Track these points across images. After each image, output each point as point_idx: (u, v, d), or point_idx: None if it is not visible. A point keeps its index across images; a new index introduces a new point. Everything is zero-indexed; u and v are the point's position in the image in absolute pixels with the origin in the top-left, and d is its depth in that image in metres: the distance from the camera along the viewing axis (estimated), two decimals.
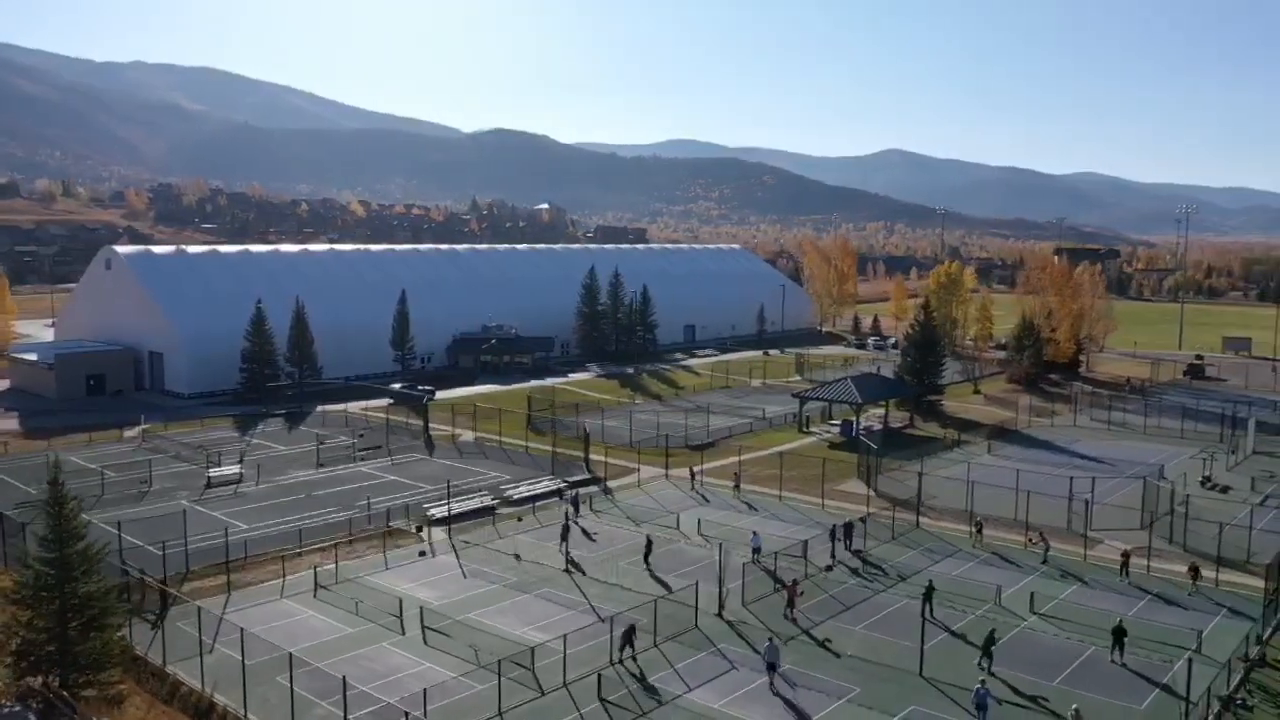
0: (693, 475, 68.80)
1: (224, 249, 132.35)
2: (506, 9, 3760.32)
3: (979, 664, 38.87)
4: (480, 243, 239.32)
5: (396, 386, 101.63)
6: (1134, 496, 62.84)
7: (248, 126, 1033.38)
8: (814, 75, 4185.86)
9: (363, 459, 75.00)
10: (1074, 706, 34.02)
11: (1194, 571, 48.53)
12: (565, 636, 38.48)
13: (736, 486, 66.12)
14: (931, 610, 44.04)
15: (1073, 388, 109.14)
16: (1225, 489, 67.61)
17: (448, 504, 59.27)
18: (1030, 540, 54.19)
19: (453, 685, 36.98)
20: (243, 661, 35.87)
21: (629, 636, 39.37)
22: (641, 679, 37.94)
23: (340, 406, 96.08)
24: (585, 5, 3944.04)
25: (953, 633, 42.75)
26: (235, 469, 69.76)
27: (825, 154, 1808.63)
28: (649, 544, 52.39)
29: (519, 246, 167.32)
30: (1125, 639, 40.10)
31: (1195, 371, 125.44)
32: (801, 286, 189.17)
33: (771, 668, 37.75)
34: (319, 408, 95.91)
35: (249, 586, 47.99)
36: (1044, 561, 52.27)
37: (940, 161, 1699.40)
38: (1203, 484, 68.32)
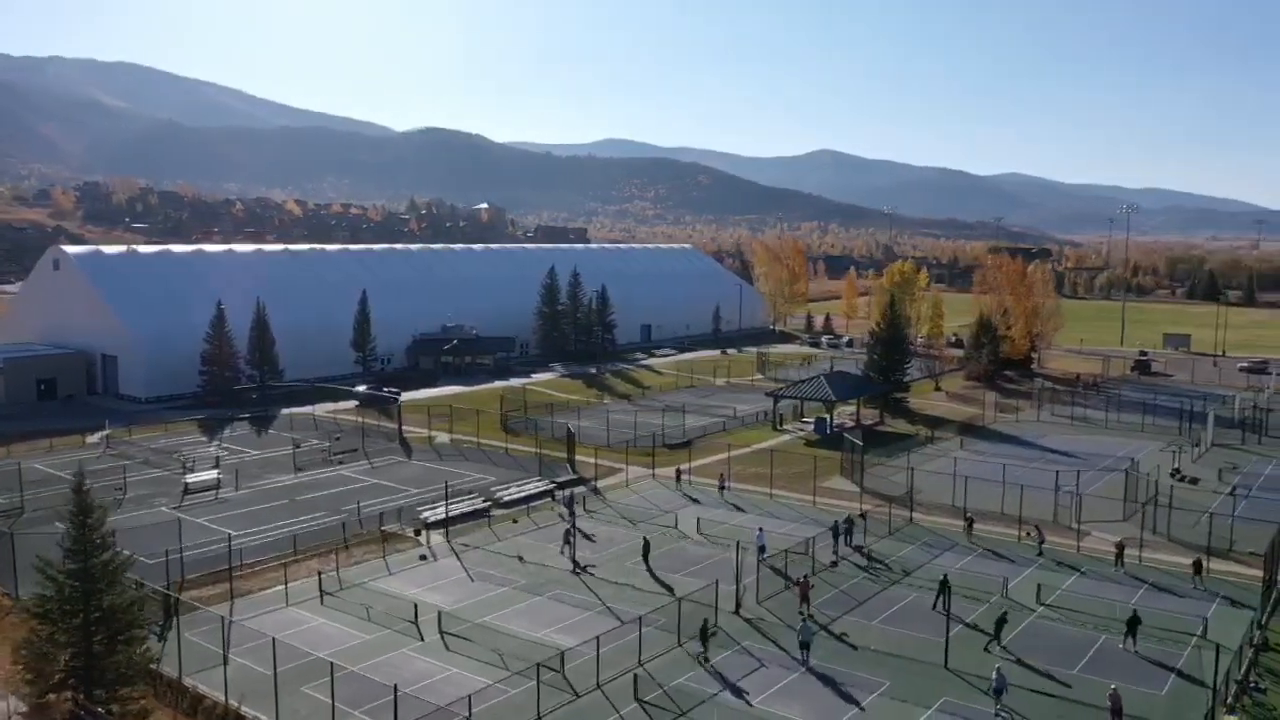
0: (679, 475, 68.83)
1: (176, 249, 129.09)
2: (437, 7, 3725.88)
3: (986, 648, 40.04)
4: (420, 242, 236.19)
5: (362, 388, 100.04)
6: (1110, 489, 64.58)
7: (173, 124, 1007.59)
8: (746, 76, 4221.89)
9: (340, 462, 73.68)
10: (1113, 687, 34.75)
11: (1197, 566, 49.78)
12: (599, 638, 38.19)
13: (721, 487, 66.17)
14: (947, 603, 44.69)
15: (1034, 384, 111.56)
16: (1195, 480, 69.66)
17: (445, 506, 58.45)
18: (1027, 533, 55.25)
19: (484, 690, 36.44)
20: (274, 671, 35.01)
21: (705, 633, 39.76)
22: (722, 678, 37.91)
23: (307, 409, 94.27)
24: (517, 4, 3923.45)
25: (967, 624, 43.40)
26: (212, 475, 68.00)
27: (758, 154, 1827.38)
28: (646, 545, 52.22)
29: (474, 246, 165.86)
30: (1139, 627, 41.14)
31: (1142, 367, 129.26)
32: (750, 286, 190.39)
33: (805, 646, 39.14)
34: (284, 410, 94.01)
35: (250, 595, 46.84)
36: (1039, 554, 53.37)
37: (871, 162, 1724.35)
38: (1173, 476, 70.32)
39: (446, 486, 60.84)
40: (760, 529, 53.51)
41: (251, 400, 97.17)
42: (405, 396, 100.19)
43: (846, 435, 75.20)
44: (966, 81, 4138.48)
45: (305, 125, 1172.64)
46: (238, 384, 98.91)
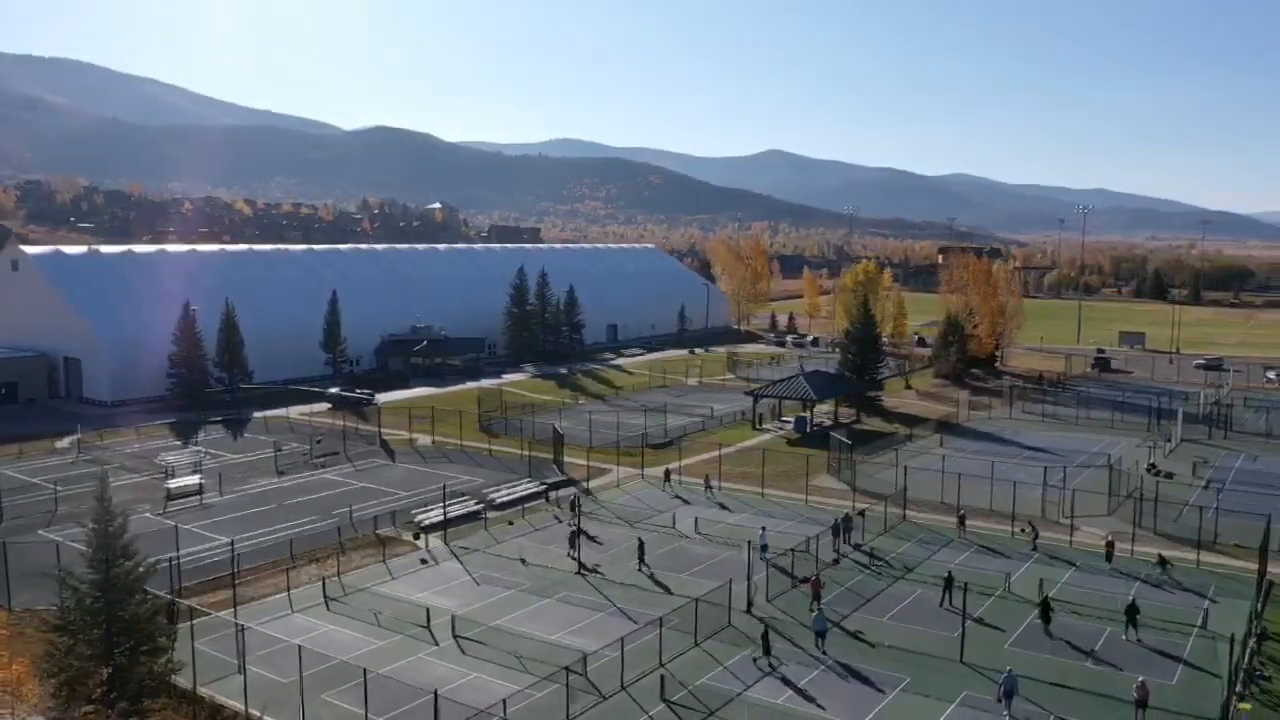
0: (667, 475, 68.66)
1: (139, 249, 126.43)
2: (384, 5, 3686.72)
3: (1043, 626, 42.09)
4: (373, 242, 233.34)
5: (335, 390, 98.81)
6: (1093, 484, 65.81)
7: (116, 122, 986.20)
8: (696, 76, 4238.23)
9: (322, 466, 72.67)
10: (1139, 680, 35.41)
11: (1034, 530, 54.87)
12: (623, 640, 38.12)
13: (708, 487, 66.10)
14: (951, 599, 45.29)
15: (1002, 382, 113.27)
16: (1170, 475, 71.22)
17: (444, 509, 57.90)
18: (1021, 529, 56.09)
19: (505, 693, 36.12)
20: (300, 678, 34.44)
21: (766, 639, 40.04)
22: (739, 678, 38.04)
23: (281, 412, 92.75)
24: (466, 2, 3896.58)
25: (975, 619, 43.94)
26: (194, 480, 66.64)
27: (708, 154, 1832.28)
28: (641, 546, 51.89)
29: (439, 246, 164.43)
30: (1138, 616, 42.02)
31: (1102, 364, 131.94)
32: (712, 285, 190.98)
33: (820, 635, 40.34)
34: (256, 413, 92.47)
35: (252, 601, 45.98)
36: (1034, 549, 54.25)
37: (820, 162, 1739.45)
38: (1149, 471, 71.81)
39: (445, 489, 60.25)
40: (762, 528, 53.78)
41: (222, 403, 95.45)
42: (379, 398, 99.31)
43: (834, 434, 75.70)
44: (913, 82, 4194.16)
45: (251, 124, 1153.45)
46: (207, 386, 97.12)
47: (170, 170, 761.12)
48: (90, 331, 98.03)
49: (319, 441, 77.49)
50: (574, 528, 54.16)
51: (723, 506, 62.86)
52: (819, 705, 35.94)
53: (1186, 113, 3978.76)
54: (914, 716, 35.27)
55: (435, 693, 31.07)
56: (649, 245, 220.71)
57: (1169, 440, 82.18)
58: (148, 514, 59.93)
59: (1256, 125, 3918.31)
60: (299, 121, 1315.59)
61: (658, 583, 48.85)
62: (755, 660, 39.36)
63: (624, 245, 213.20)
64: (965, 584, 44.43)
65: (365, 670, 33.52)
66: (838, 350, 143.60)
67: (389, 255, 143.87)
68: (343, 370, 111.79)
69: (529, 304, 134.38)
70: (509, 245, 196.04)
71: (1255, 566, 50.12)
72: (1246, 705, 35.27)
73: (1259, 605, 44.67)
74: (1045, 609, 42.92)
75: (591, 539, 54.96)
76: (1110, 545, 52.67)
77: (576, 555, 51.71)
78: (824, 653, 39.83)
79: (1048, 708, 35.81)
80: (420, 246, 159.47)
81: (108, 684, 31.17)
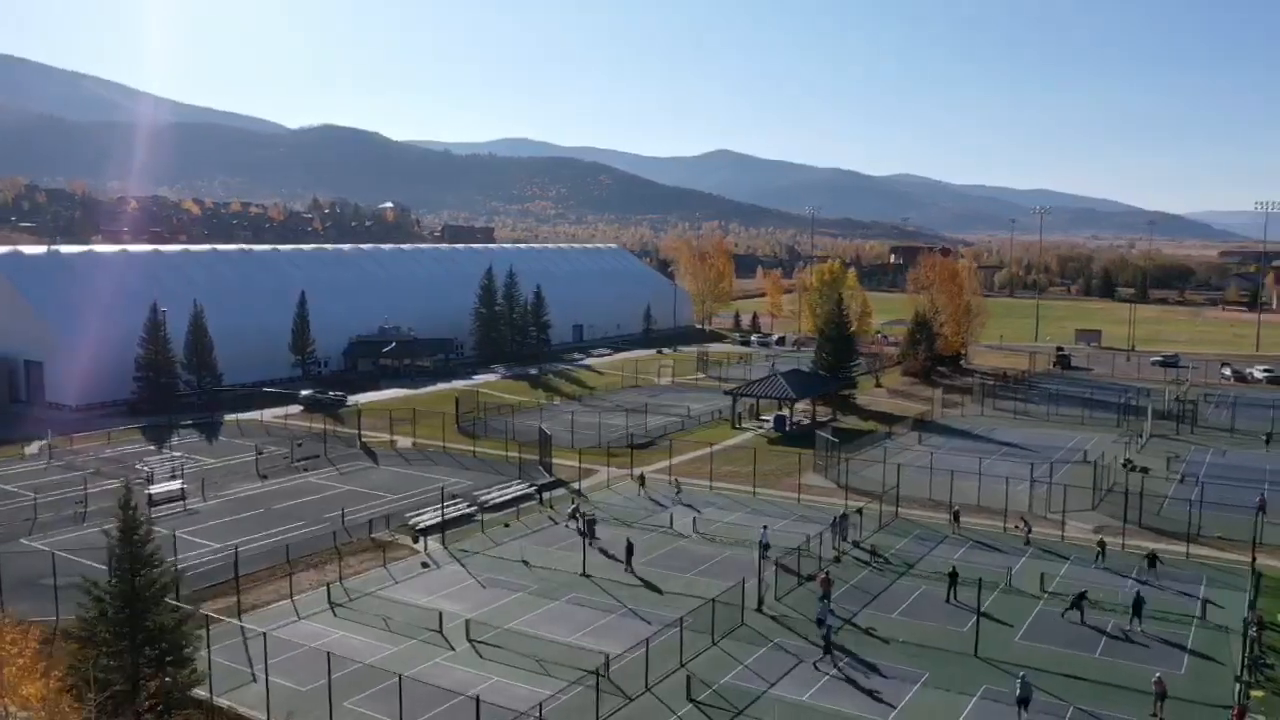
0: (641, 481, 67.77)
1: (100, 249, 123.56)
2: (327, 1, 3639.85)
3: (1129, 629, 42.62)
4: (326, 242, 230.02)
5: (308, 392, 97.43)
6: (1072, 479, 66.94)
7: (51, 119, 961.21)
8: (644, 76, 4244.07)
9: (304, 469, 71.63)
10: (1158, 674, 36.17)
11: (1027, 525, 56.08)
12: (648, 641, 38.06)
13: (677, 490, 65.78)
14: (956, 594, 45.93)
15: (974, 379, 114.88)
16: (1146, 470, 72.72)
17: (442, 511, 57.38)
18: (1016, 525, 56.93)
19: (527, 696, 35.89)
20: (329, 686, 33.92)
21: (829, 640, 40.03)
22: (762, 676, 37.97)
23: (255, 415, 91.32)
24: (411, 1, 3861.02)
25: (983, 614, 44.49)
26: (176, 485, 65.35)
27: (656, 154, 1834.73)
28: (629, 548, 51.33)
29: (404, 246, 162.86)
30: (1144, 609, 42.94)
31: (1063, 362, 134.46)
32: (674, 285, 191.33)
33: (820, 622, 41.12)
34: (227, 416, 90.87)
35: (256, 609, 45.18)
36: (1026, 543, 55.14)
37: (767, 162, 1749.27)
38: (1125, 466, 73.32)
39: (442, 492, 59.73)
40: (764, 527, 54.06)
41: (192, 406, 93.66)
42: (351, 400, 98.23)
43: (820, 432, 76.31)
44: (859, 83, 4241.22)
45: (192, 121, 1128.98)
46: (176, 389, 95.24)
47: (109, 168, 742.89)
48: (53, 334, 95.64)
49: (300, 445, 76.35)
50: (583, 532, 53.97)
51: (691, 506, 62.25)
52: (843, 701, 36.22)
53: (1125, 115, 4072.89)
54: (937, 711, 35.69)
55: (477, 698, 30.74)
56: (612, 245, 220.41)
57: (1141, 436, 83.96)
58: None
59: (1193, 128, 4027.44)
60: (242, 119, 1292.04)
61: (649, 584, 48.52)
62: (816, 664, 39.29)
63: (588, 245, 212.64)
64: (979, 579, 45.05)
65: (400, 676, 33.04)
66: (801, 348, 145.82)
67: (354, 255, 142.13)
68: (311, 372, 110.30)
69: (497, 304, 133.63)
70: (474, 245, 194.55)
71: (1240, 558, 51.82)
72: (1259, 693, 36.18)
73: (1254, 595, 45.84)
74: (1079, 602, 43.33)
75: (592, 538, 54.72)
76: (1102, 545, 53.37)
77: (591, 547, 51.22)
78: (827, 641, 40.30)
79: (1066, 699, 36.46)
80: (385, 246, 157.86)
81: (135, 696, 30.44)
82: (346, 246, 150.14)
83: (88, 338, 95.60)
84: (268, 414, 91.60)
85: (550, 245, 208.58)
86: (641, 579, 49.19)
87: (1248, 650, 39.57)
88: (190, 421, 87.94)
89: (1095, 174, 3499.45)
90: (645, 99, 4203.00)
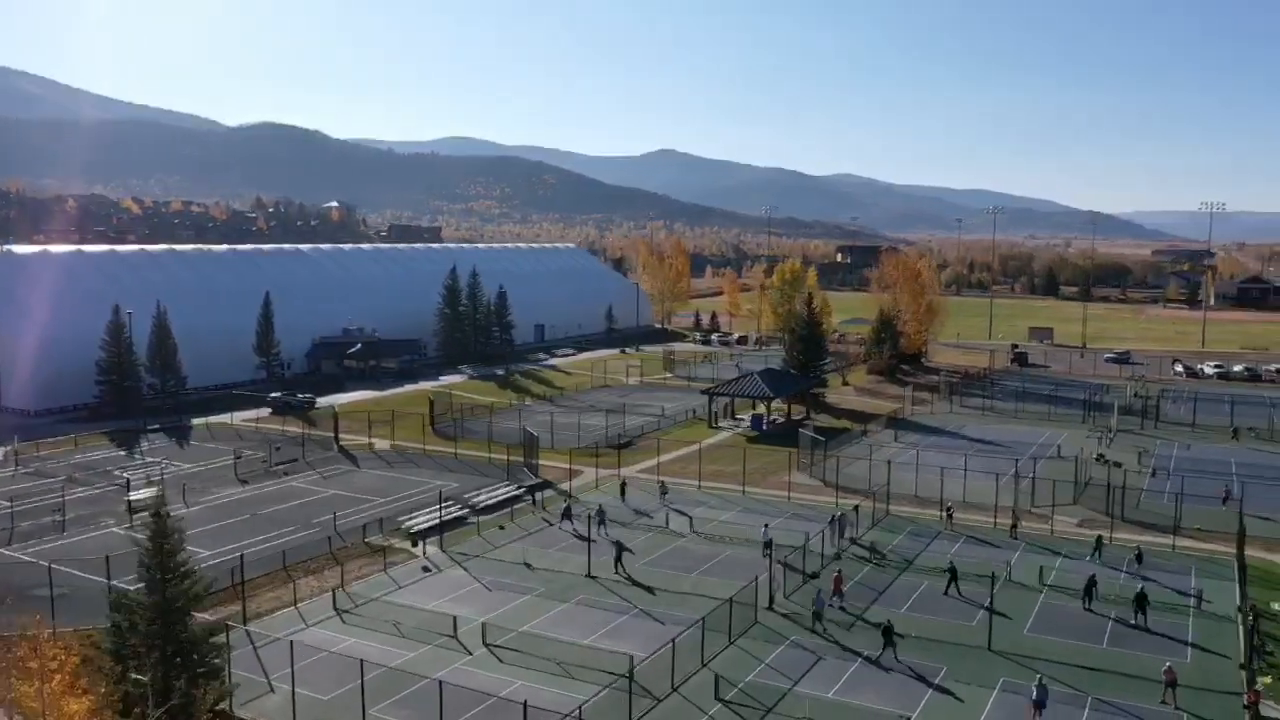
0: (622, 488, 67.37)
1: (54, 249, 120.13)
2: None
3: (1135, 623, 43.22)
4: (270, 242, 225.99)
5: (277, 395, 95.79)
6: (1050, 473, 68.33)
7: None
8: (586, 76, 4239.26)
9: (285, 474, 70.44)
10: (1168, 664, 37.10)
11: (1015, 521, 57.10)
12: (674, 642, 38.05)
13: (664, 492, 65.52)
14: (958, 589, 46.72)
15: (938, 378, 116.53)
16: (1118, 464, 74.44)
17: (439, 515, 56.83)
18: (1012, 525, 57.76)
19: (554, 700, 35.71)
20: (361, 690, 33.38)
21: (890, 633, 40.39)
22: (784, 673, 38.10)
23: (224, 418, 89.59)
24: None
25: (988, 608, 45.23)
26: (155, 491, 63.76)
27: (600, 153, 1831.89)
28: (619, 550, 51.01)
29: (364, 246, 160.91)
30: (1147, 605, 43.93)
31: (1020, 359, 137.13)
32: (632, 284, 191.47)
33: (818, 617, 42.68)
34: (195, 420, 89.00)
35: (260, 617, 44.31)
36: (1014, 537, 56.17)
37: (711, 162, 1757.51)
38: (1098, 460, 75.00)
39: (440, 495, 59.17)
40: (766, 525, 54.40)
41: (157, 410, 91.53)
42: (320, 402, 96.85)
43: (803, 430, 76.94)
44: (800, 83, 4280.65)
45: (127, 118, 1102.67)
46: (140, 393, 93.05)
47: (43, 166, 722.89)
48: (9, 337, 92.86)
49: (278, 449, 75.03)
50: (584, 536, 53.90)
51: (672, 507, 62.06)
52: (868, 696, 36.60)
53: (1059, 117, 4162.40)
54: (962, 704, 36.24)
55: (524, 703, 30.53)
56: (571, 245, 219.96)
57: (1109, 431, 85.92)
58: (115, 529, 57.28)
59: (1124, 130, 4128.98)
60: (179, 117, 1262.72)
61: (645, 586, 48.37)
62: (878, 658, 39.63)
63: (547, 245, 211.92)
64: (993, 574, 45.92)
65: (440, 682, 32.62)
66: (764, 347, 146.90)
67: (314, 255, 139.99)
68: (276, 374, 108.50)
69: (461, 305, 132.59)
70: (433, 245, 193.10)
71: (1221, 549, 53.44)
72: (1267, 679, 37.28)
73: (1243, 586, 47.24)
74: (1140, 602, 43.64)
75: (588, 541, 54.48)
76: (1099, 541, 54.11)
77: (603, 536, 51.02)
78: (823, 630, 41.72)
79: (1083, 689, 37.25)
80: (345, 246, 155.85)
81: (166, 711, 29.68)
82: (305, 246, 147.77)
83: (45, 340, 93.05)
84: (238, 418, 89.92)
85: (510, 245, 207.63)
86: (633, 579, 49.07)
87: (1249, 639, 40.73)
88: (158, 426, 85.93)
89: (1031, 174, 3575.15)
90: (589, 99, 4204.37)
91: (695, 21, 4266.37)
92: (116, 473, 68.99)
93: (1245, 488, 66.37)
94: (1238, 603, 45.85)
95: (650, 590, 47.73)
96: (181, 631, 30.23)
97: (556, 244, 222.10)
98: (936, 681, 37.98)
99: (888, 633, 40.18)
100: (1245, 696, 35.83)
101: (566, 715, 31.55)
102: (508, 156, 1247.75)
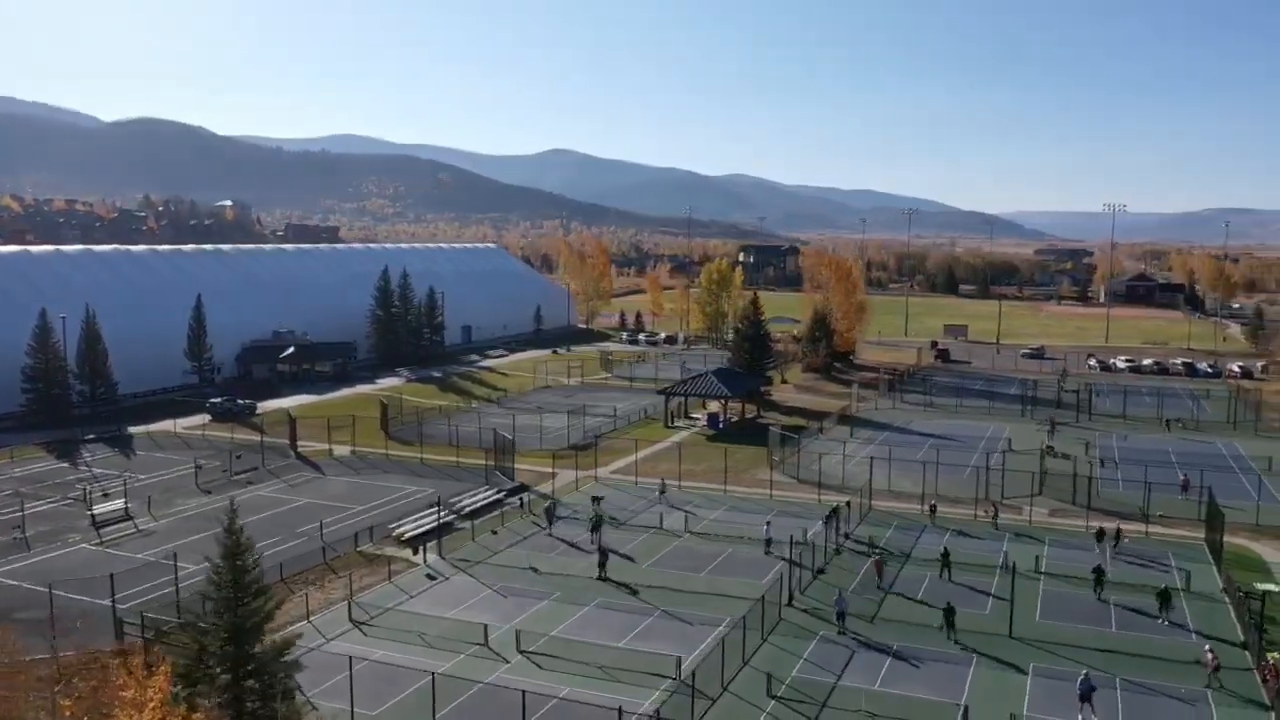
0: (594, 487, 67.76)
1: None
2: None
3: (1162, 620, 44.03)
4: (161, 243, 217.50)
5: (218, 400, 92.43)
6: (1005, 465, 70.67)
7: None
8: (477, 73, 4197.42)
9: (248, 482, 68.11)
10: (1207, 645, 39.04)
11: (995, 510, 59.52)
12: (723, 642, 38.26)
13: (662, 491, 65.75)
14: (950, 575, 48.56)
15: (878, 374, 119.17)
16: (1067, 456, 77.50)
17: (438, 518, 55.77)
18: (994, 517, 59.56)
19: (610, 703, 35.46)
20: (433, 708, 32.57)
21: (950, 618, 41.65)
22: (823, 667, 38.54)
23: (164, 425, 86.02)
24: None
25: (996, 596, 46.68)
26: (119, 504, 60.99)
27: (493, 152, 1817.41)
28: (603, 555, 50.65)
29: (285, 247, 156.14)
30: (1171, 601, 45.23)
31: (943, 356, 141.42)
32: (556, 284, 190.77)
33: (841, 616, 42.93)
34: (132, 428, 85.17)
35: (275, 632, 42.59)
36: (995, 528, 58.11)
37: (606, 161, 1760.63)
38: (1049, 453, 77.89)
39: (439, 501, 58.07)
40: (767, 522, 55.04)
41: (89, 418, 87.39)
42: (260, 407, 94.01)
43: (772, 429, 77.91)
44: (691, 84, 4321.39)
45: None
46: (69, 401, 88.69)
47: None
48: None
49: (239, 457, 72.40)
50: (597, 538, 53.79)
51: (672, 505, 62.65)
52: (914, 687, 37.45)
53: (938, 119, 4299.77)
54: (1001, 688, 37.41)
55: (619, 709, 30.29)
56: (491, 245, 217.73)
57: (1051, 424, 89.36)
58: (84, 545, 54.59)
59: (1002, 132, 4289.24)
60: (48, 109, 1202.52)
61: (629, 588, 48.20)
62: (946, 634, 41.73)
63: (469, 245, 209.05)
64: (1014, 563, 47.41)
65: (524, 693, 32.07)
66: (691, 347, 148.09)
67: (237, 257, 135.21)
68: (208, 379, 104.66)
69: (394, 306, 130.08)
70: (354, 245, 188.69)
71: (1189, 534, 56.28)
72: (1274, 654, 39.47)
73: (1219, 570, 49.91)
74: (1165, 599, 44.64)
75: (593, 548, 54.21)
76: (1101, 532, 55.47)
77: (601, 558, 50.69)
78: (845, 632, 42.33)
79: (1110, 671, 38.84)
80: (267, 247, 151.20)
81: None
82: (226, 247, 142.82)
83: None
84: (178, 424, 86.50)
85: (431, 245, 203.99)
86: (618, 582, 49.00)
87: (1247, 617, 43.05)
88: (94, 436, 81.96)
89: (915, 175, 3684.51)
90: (479, 97, 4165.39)
91: (588, 21, 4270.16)
92: (80, 486, 65.58)
93: (1203, 475, 68.90)
94: (1220, 585, 48.41)
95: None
96: (255, 651, 29.08)
97: (478, 244, 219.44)
98: (974, 668, 39.12)
99: (949, 613, 42.04)
100: (1256, 672, 37.89)
101: (649, 716, 31.35)
102: (400, 155, 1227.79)
